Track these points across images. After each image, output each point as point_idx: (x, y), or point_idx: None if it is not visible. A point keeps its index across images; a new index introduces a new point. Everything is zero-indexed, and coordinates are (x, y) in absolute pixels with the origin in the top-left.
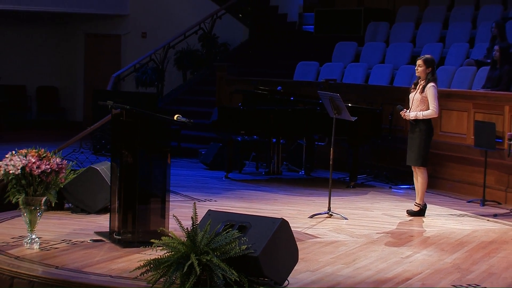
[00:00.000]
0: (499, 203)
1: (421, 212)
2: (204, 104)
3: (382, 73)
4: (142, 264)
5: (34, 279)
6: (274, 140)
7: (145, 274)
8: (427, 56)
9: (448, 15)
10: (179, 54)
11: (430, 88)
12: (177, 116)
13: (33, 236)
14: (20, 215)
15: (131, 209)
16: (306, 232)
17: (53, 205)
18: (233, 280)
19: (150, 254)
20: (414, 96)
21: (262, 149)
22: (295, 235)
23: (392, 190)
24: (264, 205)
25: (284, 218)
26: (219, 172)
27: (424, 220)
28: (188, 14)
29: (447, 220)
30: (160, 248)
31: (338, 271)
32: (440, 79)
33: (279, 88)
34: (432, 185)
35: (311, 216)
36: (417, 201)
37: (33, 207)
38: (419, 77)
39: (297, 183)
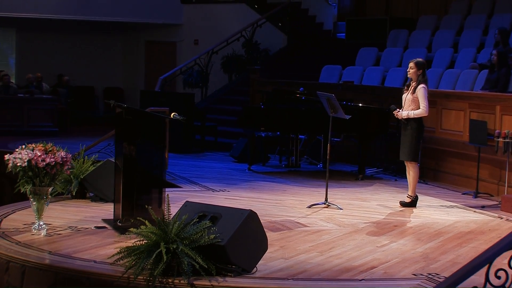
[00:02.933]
0: (491, 195)
1: (412, 203)
2: (242, 103)
3: (396, 76)
4: (117, 251)
5: (26, 264)
6: (293, 135)
7: (121, 260)
8: (419, 59)
9: (463, 23)
10: (225, 59)
11: (421, 89)
12: (173, 114)
13: (41, 223)
14: None
15: (131, 198)
16: (298, 221)
17: (73, 194)
18: (198, 267)
19: (127, 242)
20: (406, 97)
21: (285, 144)
22: (286, 223)
23: (398, 182)
24: (270, 195)
25: (284, 207)
26: (245, 165)
27: (414, 210)
28: (234, 23)
29: (435, 211)
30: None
31: (310, 259)
32: (446, 81)
33: (301, 89)
34: (435, 178)
35: (309, 206)
36: (409, 193)
37: (40, 196)
38: (411, 79)
39: (312, 175)
